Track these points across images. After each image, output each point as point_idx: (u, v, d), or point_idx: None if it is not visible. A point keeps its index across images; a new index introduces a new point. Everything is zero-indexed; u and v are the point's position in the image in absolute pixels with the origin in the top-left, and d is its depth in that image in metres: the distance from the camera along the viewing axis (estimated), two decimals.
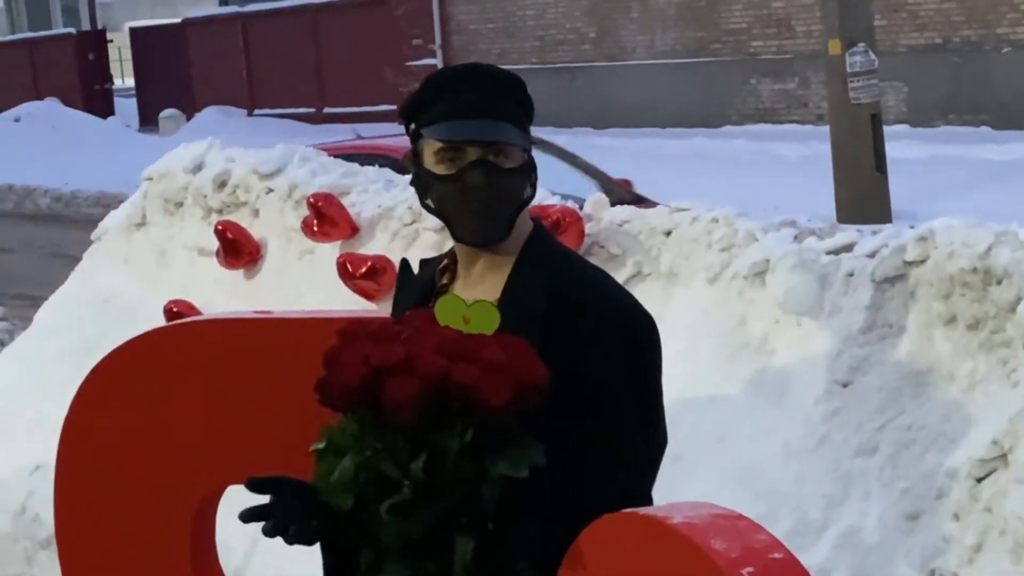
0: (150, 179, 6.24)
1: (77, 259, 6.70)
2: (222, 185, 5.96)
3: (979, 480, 3.76)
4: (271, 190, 5.82)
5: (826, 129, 13.22)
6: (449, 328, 2.41)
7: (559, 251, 2.62)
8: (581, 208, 4.91)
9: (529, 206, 2.57)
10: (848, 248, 4.30)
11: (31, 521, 5.74)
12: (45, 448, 5.53)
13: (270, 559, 4.91)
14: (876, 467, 3.94)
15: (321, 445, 2.48)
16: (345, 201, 5.53)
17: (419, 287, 2.69)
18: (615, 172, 11.49)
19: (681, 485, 4.01)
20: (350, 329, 2.51)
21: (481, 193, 2.49)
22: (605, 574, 2.21)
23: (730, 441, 4.26)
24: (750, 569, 1.94)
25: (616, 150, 18.35)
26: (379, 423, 2.37)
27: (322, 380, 2.44)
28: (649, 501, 2.43)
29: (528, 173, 2.54)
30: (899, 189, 12.67)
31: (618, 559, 2.17)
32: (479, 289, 2.56)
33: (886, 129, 12.95)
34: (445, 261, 2.67)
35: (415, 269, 2.76)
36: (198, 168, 6.09)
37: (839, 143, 12.58)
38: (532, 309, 2.47)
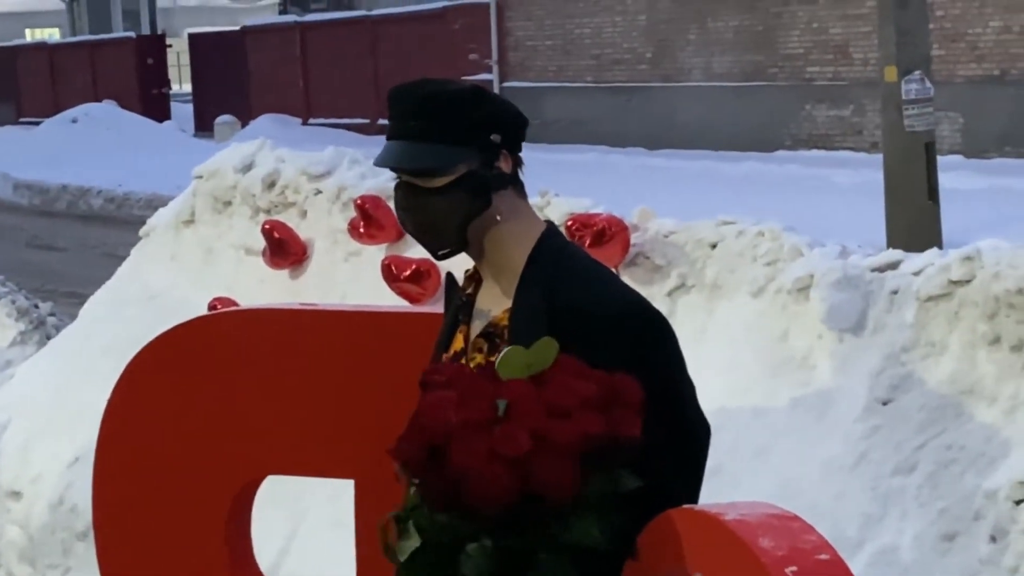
0: (200, 177, 6.29)
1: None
2: (271, 185, 6.00)
3: (1017, 503, 3.72)
4: (319, 191, 5.85)
5: (880, 157, 13.15)
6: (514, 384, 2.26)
7: (564, 253, 2.55)
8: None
9: (491, 213, 2.51)
10: (893, 266, 4.27)
11: (69, 512, 5.77)
12: (85, 441, 5.58)
13: (306, 553, 4.92)
14: (914, 486, 3.91)
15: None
16: (392, 204, 5.55)
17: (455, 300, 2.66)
18: (669, 193, 11.30)
19: (720, 499, 3.98)
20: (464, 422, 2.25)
21: (407, 214, 2.57)
22: (663, 566, 2.24)
23: (770, 456, 4.23)
24: (794, 568, 1.95)
25: (669, 171, 18.30)
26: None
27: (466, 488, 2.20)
28: (678, 499, 2.35)
29: (470, 186, 2.50)
30: (952, 219, 12.56)
31: (675, 552, 2.21)
32: (493, 295, 2.56)
33: (941, 159, 12.85)
34: (470, 270, 2.65)
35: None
36: (248, 168, 6.13)
37: (892, 171, 12.51)
38: (538, 324, 2.42)
